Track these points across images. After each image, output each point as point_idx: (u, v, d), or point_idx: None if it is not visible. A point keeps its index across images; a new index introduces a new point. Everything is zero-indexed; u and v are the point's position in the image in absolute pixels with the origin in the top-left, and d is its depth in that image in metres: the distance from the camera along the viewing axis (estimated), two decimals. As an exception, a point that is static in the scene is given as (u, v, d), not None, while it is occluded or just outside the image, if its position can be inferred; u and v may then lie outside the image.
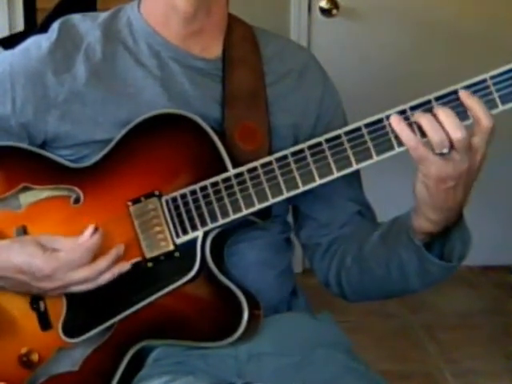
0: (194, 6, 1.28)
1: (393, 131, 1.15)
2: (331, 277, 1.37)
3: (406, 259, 1.24)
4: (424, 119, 1.13)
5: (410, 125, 1.14)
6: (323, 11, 3.28)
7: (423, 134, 1.13)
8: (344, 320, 1.52)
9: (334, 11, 3.27)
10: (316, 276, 1.42)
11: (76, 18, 1.36)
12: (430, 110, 1.14)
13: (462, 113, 1.12)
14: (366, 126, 1.16)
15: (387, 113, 1.15)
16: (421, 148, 1.12)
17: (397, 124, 1.14)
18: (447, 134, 1.11)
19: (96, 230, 1.25)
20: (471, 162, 1.13)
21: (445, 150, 1.11)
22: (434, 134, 1.11)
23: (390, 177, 3.04)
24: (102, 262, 1.23)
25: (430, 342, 2.94)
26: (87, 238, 1.24)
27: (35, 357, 1.30)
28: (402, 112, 1.15)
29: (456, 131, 1.10)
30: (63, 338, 1.27)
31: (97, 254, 1.24)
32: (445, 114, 1.12)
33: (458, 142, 1.10)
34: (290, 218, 1.43)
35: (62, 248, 1.24)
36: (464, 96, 1.12)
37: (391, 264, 1.27)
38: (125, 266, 1.25)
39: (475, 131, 1.12)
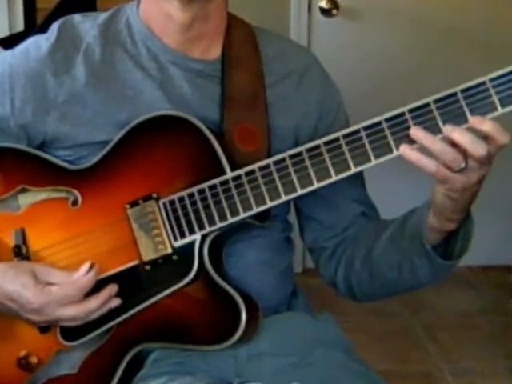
0: (190, 17, 1.27)
1: (391, 134, 1.13)
2: (340, 281, 1.37)
3: (418, 264, 1.23)
4: (431, 143, 1.10)
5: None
6: (323, 11, 3.28)
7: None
8: (344, 320, 1.51)
9: (334, 11, 3.27)
10: (323, 278, 1.41)
11: (76, 18, 1.36)
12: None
13: (460, 115, 1.11)
14: (365, 128, 1.15)
15: (385, 115, 1.14)
16: (442, 170, 1.10)
17: (409, 154, 1.11)
18: (463, 152, 1.08)
19: (91, 266, 1.24)
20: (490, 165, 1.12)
21: (462, 165, 1.09)
22: (445, 156, 1.09)
23: (392, 175, 3.03)
24: (93, 303, 1.23)
25: (430, 342, 2.93)
26: (82, 274, 1.23)
27: (34, 359, 1.30)
28: (401, 115, 1.13)
29: (477, 149, 1.08)
30: (61, 341, 1.27)
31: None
32: (459, 134, 1.08)
33: (481, 158, 1.08)
34: (290, 217, 1.41)
35: (55, 282, 1.23)
36: (477, 123, 1.09)
37: (403, 268, 1.26)
38: (115, 303, 1.25)
39: (490, 144, 1.09)
